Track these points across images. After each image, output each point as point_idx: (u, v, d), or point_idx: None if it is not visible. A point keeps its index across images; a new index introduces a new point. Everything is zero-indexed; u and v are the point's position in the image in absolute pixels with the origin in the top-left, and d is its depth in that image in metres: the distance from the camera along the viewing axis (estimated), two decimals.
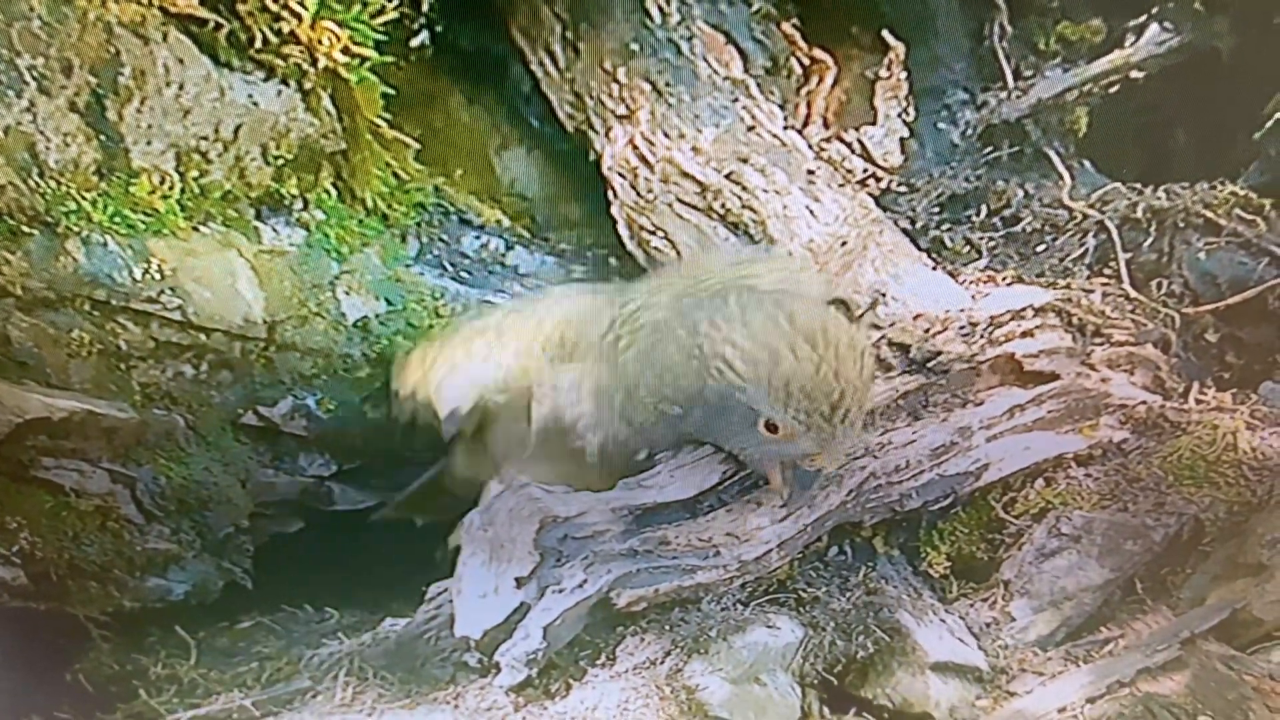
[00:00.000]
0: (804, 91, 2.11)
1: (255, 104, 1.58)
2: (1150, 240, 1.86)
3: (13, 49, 1.37)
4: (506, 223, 2.05)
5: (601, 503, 1.31)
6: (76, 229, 1.48)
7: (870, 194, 1.98)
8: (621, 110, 1.95)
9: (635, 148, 1.93)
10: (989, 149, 2.12)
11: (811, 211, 1.84)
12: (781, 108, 2.01)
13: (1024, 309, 1.65)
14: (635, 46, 1.95)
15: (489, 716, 1.18)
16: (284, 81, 1.61)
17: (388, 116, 1.76)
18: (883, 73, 2.09)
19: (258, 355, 1.71)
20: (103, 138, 1.47)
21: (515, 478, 1.34)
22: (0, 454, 1.42)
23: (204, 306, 1.60)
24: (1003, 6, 2.12)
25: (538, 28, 2.02)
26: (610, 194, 1.98)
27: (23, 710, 1.31)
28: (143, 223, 1.53)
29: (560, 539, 1.26)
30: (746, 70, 2.01)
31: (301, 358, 1.75)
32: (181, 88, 1.51)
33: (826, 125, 2.09)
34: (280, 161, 1.65)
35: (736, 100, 1.95)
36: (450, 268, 1.94)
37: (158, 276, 1.55)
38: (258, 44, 1.54)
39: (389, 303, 1.81)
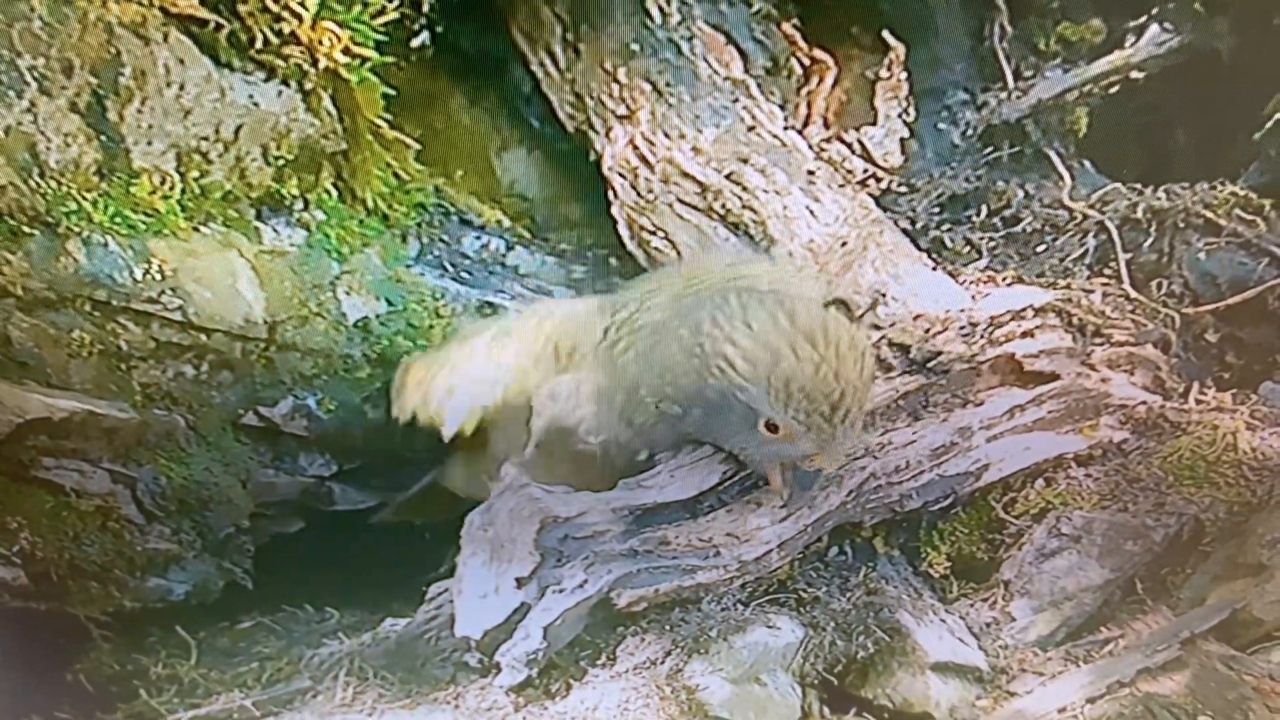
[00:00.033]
0: (804, 92, 2.12)
1: (256, 104, 1.58)
2: (1150, 240, 1.87)
3: (13, 49, 1.37)
4: (507, 223, 2.05)
5: (602, 503, 1.31)
6: (77, 229, 1.48)
7: (870, 194, 1.98)
8: (622, 110, 1.95)
9: (636, 148, 1.93)
10: (989, 149, 2.12)
11: (812, 212, 1.84)
12: (782, 108, 2.01)
13: (1024, 309, 1.65)
14: (636, 47, 1.96)
15: (489, 716, 1.18)
16: (285, 82, 1.61)
17: (388, 117, 1.77)
18: (883, 73, 2.09)
19: (258, 355, 1.71)
20: (103, 138, 1.47)
21: (516, 478, 1.34)
22: (1, 454, 1.42)
23: (205, 307, 1.60)
24: (1003, 7, 2.12)
25: (538, 28, 2.02)
26: (610, 194, 1.98)
27: (23, 710, 1.31)
28: (143, 223, 1.53)
29: (561, 539, 1.26)
30: (747, 70, 2.01)
31: (302, 358, 1.75)
32: (182, 88, 1.51)
33: (827, 125, 2.10)
34: (281, 162, 1.65)
35: (737, 100, 1.95)
36: (451, 268, 1.94)
37: (158, 277, 1.55)
38: (258, 44, 1.54)
39: (389, 303, 1.81)
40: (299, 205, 1.73)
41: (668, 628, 1.29)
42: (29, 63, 1.38)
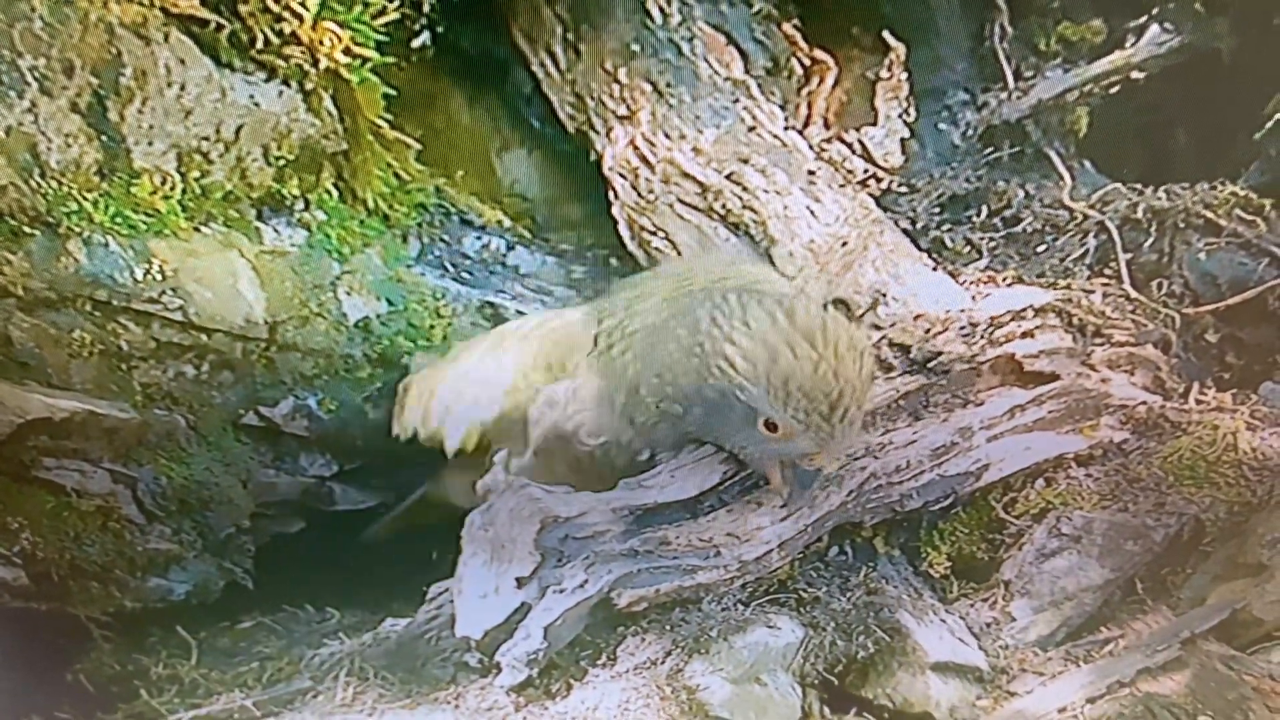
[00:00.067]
0: (805, 92, 2.12)
1: (257, 104, 1.58)
2: (1151, 241, 1.87)
3: (14, 50, 1.37)
4: (507, 223, 2.05)
5: (602, 503, 1.31)
6: (78, 229, 1.49)
7: (871, 194, 1.98)
8: (622, 111, 1.95)
9: (636, 148, 1.93)
10: (990, 149, 2.12)
11: (812, 212, 1.84)
12: (782, 108, 2.01)
13: (1024, 309, 1.65)
14: (636, 47, 1.96)
15: (490, 717, 1.18)
16: (285, 82, 1.61)
17: (389, 117, 1.77)
18: (883, 73, 2.09)
19: (259, 355, 1.71)
20: (104, 138, 1.47)
21: (516, 478, 1.34)
22: (2, 454, 1.42)
23: (205, 307, 1.60)
24: (1003, 7, 2.12)
25: (539, 29, 2.03)
26: (611, 195, 1.98)
27: (23, 710, 1.32)
28: (144, 223, 1.53)
29: (561, 539, 1.26)
30: (747, 71, 2.01)
31: (303, 358, 1.75)
32: (183, 88, 1.51)
33: (827, 126, 2.10)
34: (282, 162, 1.65)
35: (737, 101, 1.95)
36: (451, 268, 1.94)
37: (159, 277, 1.56)
38: (259, 45, 1.54)
39: (390, 303, 1.81)
40: (300, 205, 1.73)
41: (668, 628, 1.29)
42: (30, 63, 1.38)
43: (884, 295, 1.73)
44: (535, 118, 2.15)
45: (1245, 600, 1.31)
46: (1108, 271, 1.87)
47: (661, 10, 1.97)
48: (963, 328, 1.61)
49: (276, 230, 1.71)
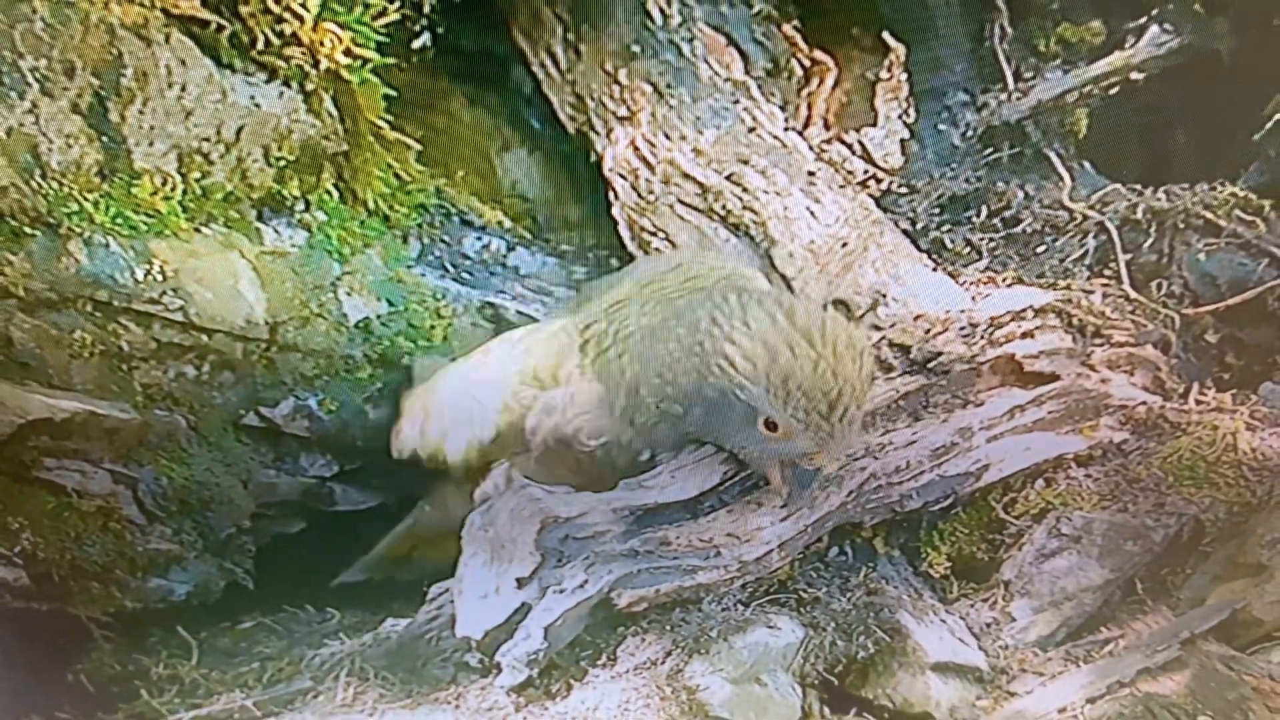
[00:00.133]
0: (805, 93, 2.12)
1: (257, 105, 1.59)
2: (1150, 241, 1.87)
3: (15, 51, 1.37)
4: (508, 224, 2.05)
5: (602, 503, 1.31)
6: (79, 230, 1.49)
7: (871, 195, 1.98)
8: (623, 112, 1.95)
9: (636, 149, 1.94)
10: (989, 150, 2.12)
11: (812, 213, 1.84)
12: (782, 109, 2.02)
13: (1024, 310, 1.65)
14: (636, 48, 1.96)
15: (490, 717, 1.18)
16: (286, 83, 1.61)
17: (389, 118, 1.77)
18: (883, 74, 2.09)
19: (259, 356, 1.71)
20: (105, 139, 1.47)
21: (516, 478, 1.34)
22: (2, 455, 1.42)
23: (206, 307, 1.61)
24: (1003, 8, 2.12)
25: (539, 29, 2.03)
26: (611, 195, 1.98)
27: (24, 710, 1.32)
28: (145, 224, 1.53)
29: (561, 539, 1.26)
30: (747, 72, 2.01)
31: (303, 359, 1.75)
32: (184, 89, 1.51)
33: (827, 127, 2.10)
34: (282, 163, 1.65)
35: (737, 102, 1.95)
36: (452, 269, 1.94)
37: (160, 277, 1.56)
38: (260, 46, 1.54)
39: (391, 304, 1.81)
40: (300, 206, 1.74)
41: (668, 628, 1.29)
42: (31, 64, 1.39)
43: (884, 296, 1.74)
44: (535, 118, 2.15)
45: (1245, 600, 1.31)
46: (1107, 272, 1.87)
47: (662, 11, 1.97)
48: (963, 328, 1.61)
49: (277, 231, 1.71)
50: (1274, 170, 1.92)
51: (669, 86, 1.94)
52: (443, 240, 1.96)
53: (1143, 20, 2.06)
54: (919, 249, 1.88)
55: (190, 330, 1.62)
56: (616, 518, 1.31)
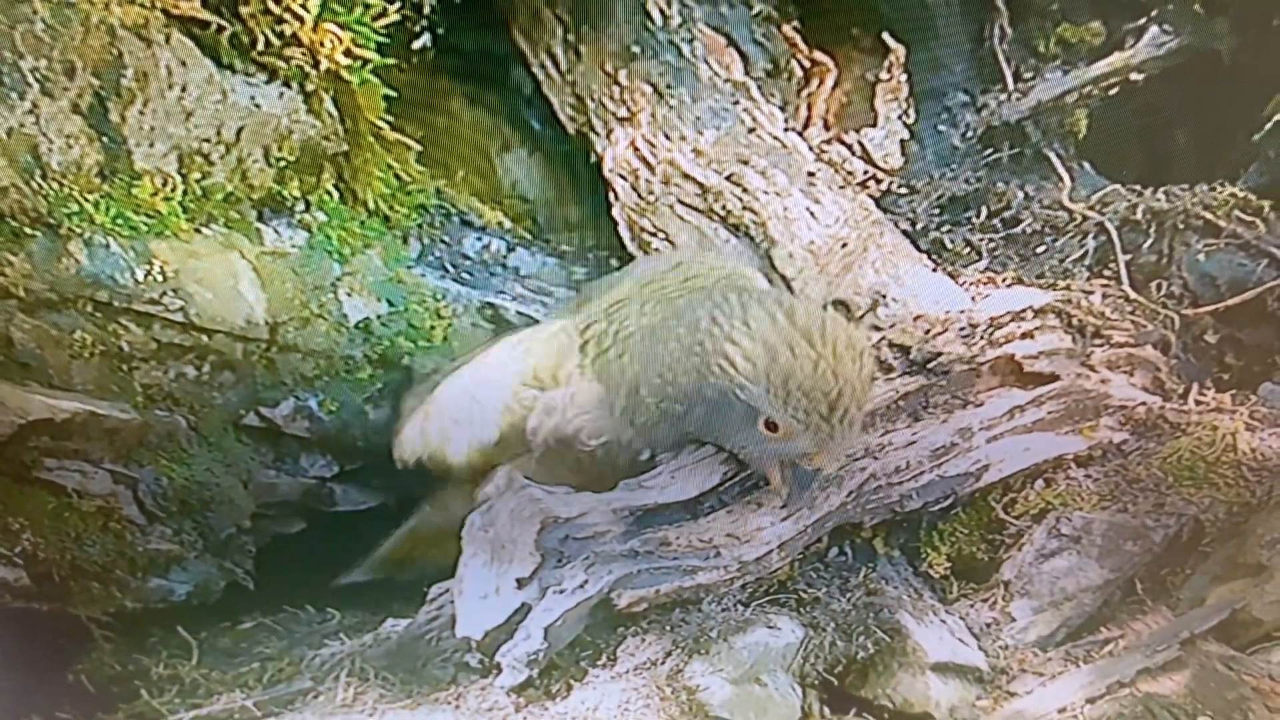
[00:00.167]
0: (805, 94, 2.12)
1: (257, 106, 1.59)
2: (1150, 242, 1.87)
3: (16, 51, 1.37)
4: (508, 224, 2.05)
5: (602, 504, 1.31)
6: (79, 231, 1.49)
7: (871, 196, 1.98)
8: (623, 112, 1.95)
9: (636, 150, 1.94)
10: (989, 151, 2.12)
11: (812, 213, 1.84)
12: (782, 110, 2.02)
13: (1024, 310, 1.65)
14: (636, 49, 1.96)
15: (490, 717, 1.18)
16: (286, 84, 1.61)
17: (389, 118, 1.77)
18: (883, 75, 2.09)
19: (259, 356, 1.71)
20: (105, 140, 1.47)
21: (516, 479, 1.34)
22: (3, 455, 1.42)
23: (206, 308, 1.61)
24: (1003, 9, 2.12)
25: (539, 30, 2.03)
26: (611, 196, 1.98)
27: (24, 710, 1.32)
28: (145, 224, 1.53)
29: (561, 540, 1.26)
30: (747, 72, 2.02)
31: (303, 359, 1.75)
32: (184, 90, 1.51)
33: (827, 127, 2.10)
34: (282, 163, 1.65)
35: (737, 102, 1.95)
36: (452, 269, 1.94)
37: (160, 278, 1.56)
38: (260, 46, 1.54)
39: (391, 304, 1.81)
40: (300, 207, 1.74)
41: (668, 628, 1.29)
42: (31, 64, 1.39)
43: (884, 296, 1.74)
44: (536, 119, 2.15)
45: (1245, 600, 1.31)
46: (1107, 272, 1.87)
47: (662, 12, 1.97)
48: (962, 329, 1.61)
49: (277, 231, 1.72)
50: (1273, 171, 1.92)
51: (669, 87, 1.94)
52: (443, 241, 1.96)
53: (1142, 21, 2.06)
54: (919, 249, 1.88)
55: (190, 331, 1.62)
56: (616, 518, 1.31)
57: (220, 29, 1.51)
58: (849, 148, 2.06)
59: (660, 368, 1.34)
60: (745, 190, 1.85)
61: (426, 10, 1.84)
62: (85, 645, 1.49)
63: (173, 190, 1.55)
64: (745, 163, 1.87)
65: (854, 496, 1.43)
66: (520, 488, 1.31)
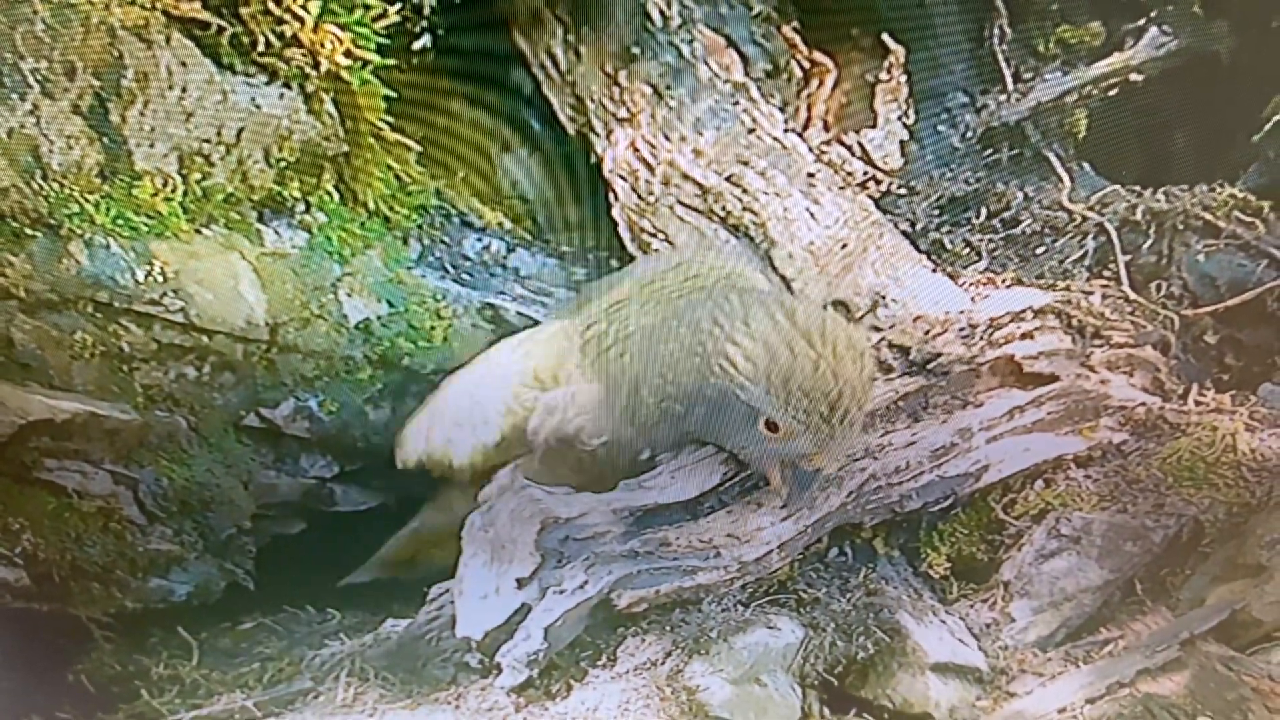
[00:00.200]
0: (804, 94, 2.12)
1: (258, 107, 1.59)
2: (1149, 242, 1.87)
3: (16, 52, 1.37)
4: (508, 225, 2.05)
5: (602, 504, 1.31)
6: (79, 231, 1.49)
7: (870, 196, 1.98)
8: (622, 113, 1.96)
9: (636, 150, 1.94)
10: (989, 151, 2.12)
11: (811, 214, 1.84)
12: (782, 110, 2.02)
13: (1023, 311, 1.65)
14: (636, 50, 1.96)
15: (490, 717, 1.18)
16: (286, 84, 1.61)
17: (390, 119, 1.77)
18: (883, 76, 2.09)
19: (260, 357, 1.71)
20: (106, 140, 1.47)
21: (516, 479, 1.34)
22: (3, 455, 1.42)
23: (206, 308, 1.61)
24: (1002, 10, 2.13)
25: (539, 31, 2.03)
26: (611, 196, 1.98)
27: (24, 710, 1.32)
28: (145, 225, 1.54)
29: (561, 540, 1.26)
30: (747, 73, 2.02)
31: (303, 359, 1.75)
32: (184, 91, 1.51)
33: (827, 128, 2.10)
34: (282, 164, 1.66)
35: (737, 103, 1.95)
36: (452, 270, 1.94)
37: (160, 279, 1.56)
38: (260, 47, 1.55)
39: (391, 305, 1.81)
40: (301, 207, 1.74)
41: (668, 628, 1.29)
42: (32, 65, 1.39)
43: (883, 297, 1.74)
44: (536, 120, 2.15)
45: (1244, 601, 1.31)
46: (1107, 273, 1.87)
47: (661, 13, 1.97)
48: (962, 329, 1.61)
49: (277, 232, 1.72)
50: (1273, 172, 1.92)
51: (669, 88, 1.94)
52: (443, 241, 1.96)
53: (1142, 22, 2.06)
54: (918, 250, 1.88)
55: (191, 331, 1.62)
56: (616, 518, 1.31)
57: (221, 30, 1.51)
58: (849, 148, 2.06)
59: (661, 368, 1.34)
60: (745, 191, 1.85)
61: (426, 11, 1.85)
62: (85, 645, 1.49)
63: (173, 191, 1.55)
64: (745, 163, 1.87)
65: (854, 497, 1.44)
66: (520, 488, 1.31)
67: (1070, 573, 1.41)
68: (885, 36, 2.08)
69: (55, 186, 1.44)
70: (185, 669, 1.44)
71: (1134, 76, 2.06)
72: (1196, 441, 1.49)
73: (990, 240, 2.00)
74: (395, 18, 1.66)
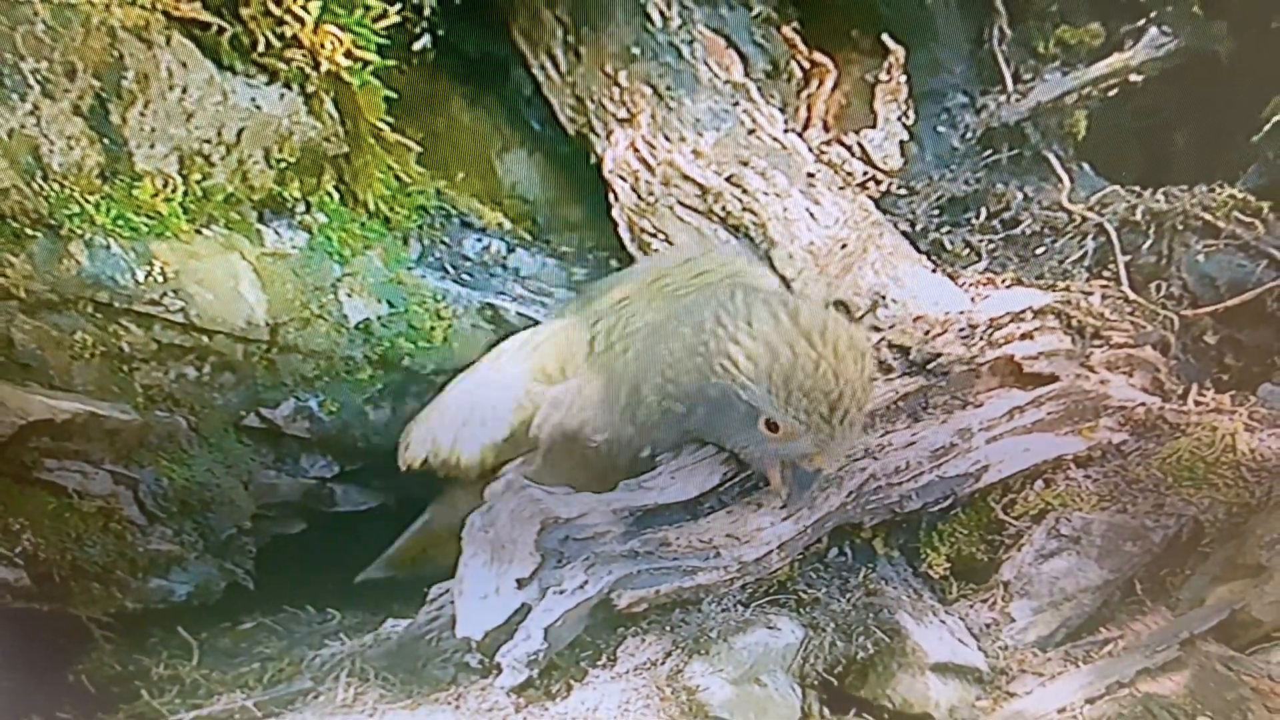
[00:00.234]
0: (804, 95, 2.12)
1: (258, 107, 1.59)
2: (1149, 243, 1.87)
3: (17, 53, 1.37)
4: (508, 225, 2.06)
5: (602, 504, 1.31)
6: (80, 232, 1.49)
7: (870, 197, 1.99)
8: (622, 114, 1.96)
9: (636, 151, 1.94)
10: (988, 152, 2.12)
11: (811, 214, 1.84)
12: (782, 111, 2.02)
13: (1023, 311, 1.65)
14: (636, 50, 1.96)
15: (490, 717, 1.18)
16: (286, 85, 1.61)
17: (390, 120, 1.77)
18: (883, 76, 2.09)
19: (260, 357, 1.71)
20: (106, 141, 1.47)
21: (517, 480, 1.34)
22: (3, 455, 1.42)
23: (206, 309, 1.61)
24: (1002, 10, 2.13)
25: (539, 31, 2.03)
26: (611, 197, 1.98)
27: (24, 710, 1.32)
28: (145, 225, 1.54)
29: (561, 540, 1.26)
30: (747, 74, 2.02)
31: (304, 360, 1.75)
32: (184, 91, 1.51)
33: (827, 128, 2.10)
34: (283, 164, 1.66)
35: (737, 104, 1.95)
36: (452, 270, 1.94)
37: (160, 279, 1.56)
38: (260, 48, 1.55)
39: (391, 305, 1.81)
40: (301, 208, 1.74)
41: (668, 628, 1.29)
42: (32, 66, 1.39)
43: (883, 297, 1.74)
44: (536, 120, 2.15)
45: (1244, 601, 1.31)
46: (1106, 273, 1.87)
47: (661, 14, 1.97)
48: (962, 329, 1.61)
49: (278, 232, 1.72)
50: (1272, 172, 1.93)
51: (669, 88, 1.94)
52: (443, 242, 1.96)
53: (1141, 22, 2.06)
54: (918, 250, 1.88)
55: (191, 331, 1.62)
56: (616, 519, 1.31)
57: (221, 31, 1.51)
58: (848, 149, 2.06)
59: (663, 366, 1.34)
60: (745, 191, 1.85)
61: (427, 12, 1.85)
62: (85, 645, 1.49)
63: (173, 191, 1.55)
64: (745, 164, 1.88)
65: (854, 497, 1.44)
66: (520, 488, 1.31)
67: (1070, 573, 1.41)
68: (885, 37, 2.08)
69: (56, 187, 1.45)
70: (185, 669, 1.44)
71: (1133, 77, 2.06)
72: (1196, 442, 1.49)
73: (990, 241, 2.00)
74: (395, 18, 1.66)
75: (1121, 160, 2.17)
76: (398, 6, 1.66)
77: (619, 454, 1.42)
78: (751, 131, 1.93)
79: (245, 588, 1.75)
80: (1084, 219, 1.95)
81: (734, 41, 2.04)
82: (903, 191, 2.08)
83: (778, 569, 1.39)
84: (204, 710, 1.30)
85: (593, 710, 1.18)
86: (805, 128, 2.08)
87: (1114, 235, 1.89)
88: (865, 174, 2.05)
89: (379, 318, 1.80)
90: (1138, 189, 1.96)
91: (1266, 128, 1.92)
